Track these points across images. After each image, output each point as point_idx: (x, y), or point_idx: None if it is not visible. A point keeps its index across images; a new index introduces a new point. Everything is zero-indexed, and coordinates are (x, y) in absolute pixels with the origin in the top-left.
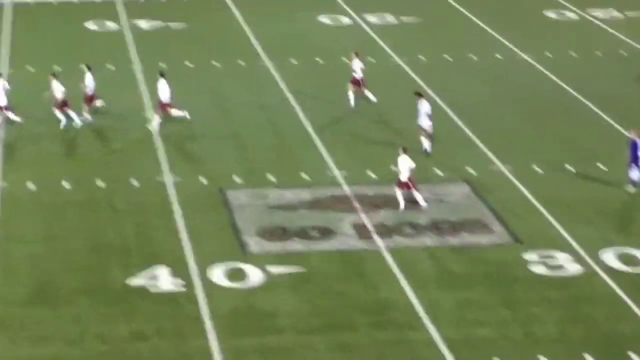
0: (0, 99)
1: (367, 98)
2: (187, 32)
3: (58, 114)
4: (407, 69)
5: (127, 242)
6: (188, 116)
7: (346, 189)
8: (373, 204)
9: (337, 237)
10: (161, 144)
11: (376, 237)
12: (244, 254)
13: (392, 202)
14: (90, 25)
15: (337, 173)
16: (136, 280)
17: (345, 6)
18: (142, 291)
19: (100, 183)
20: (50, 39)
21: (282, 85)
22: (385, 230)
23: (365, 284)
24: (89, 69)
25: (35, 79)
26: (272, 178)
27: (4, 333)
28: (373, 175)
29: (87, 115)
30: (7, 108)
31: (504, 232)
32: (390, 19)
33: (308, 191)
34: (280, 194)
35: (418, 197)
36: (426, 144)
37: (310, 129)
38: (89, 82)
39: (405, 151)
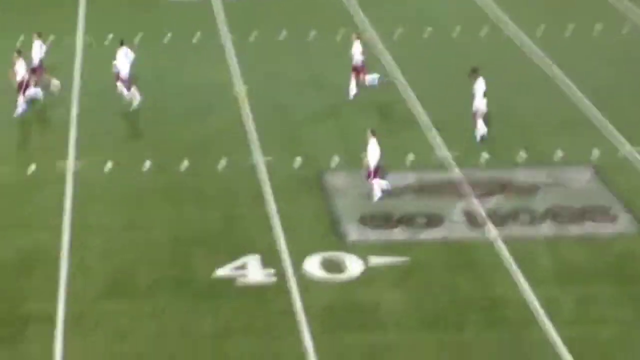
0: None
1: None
2: (281, 0)
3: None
4: (526, 39)
5: (214, 231)
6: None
7: (456, 172)
8: (486, 188)
9: (445, 225)
10: (252, 123)
11: (489, 226)
12: (343, 243)
13: (507, 187)
14: None
15: (446, 154)
16: (222, 272)
17: None
18: (228, 284)
19: (184, 166)
20: (129, 8)
21: (388, 58)
22: (498, 218)
23: (476, 277)
24: (39, 36)
25: (112, 52)
26: None
27: (78, 329)
28: (486, 156)
29: (26, 96)
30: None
31: (632, 221)
32: None
33: (414, 174)
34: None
35: (377, 185)
36: (483, 129)
37: (418, 106)
38: (36, 53)
39: (374, 134)
